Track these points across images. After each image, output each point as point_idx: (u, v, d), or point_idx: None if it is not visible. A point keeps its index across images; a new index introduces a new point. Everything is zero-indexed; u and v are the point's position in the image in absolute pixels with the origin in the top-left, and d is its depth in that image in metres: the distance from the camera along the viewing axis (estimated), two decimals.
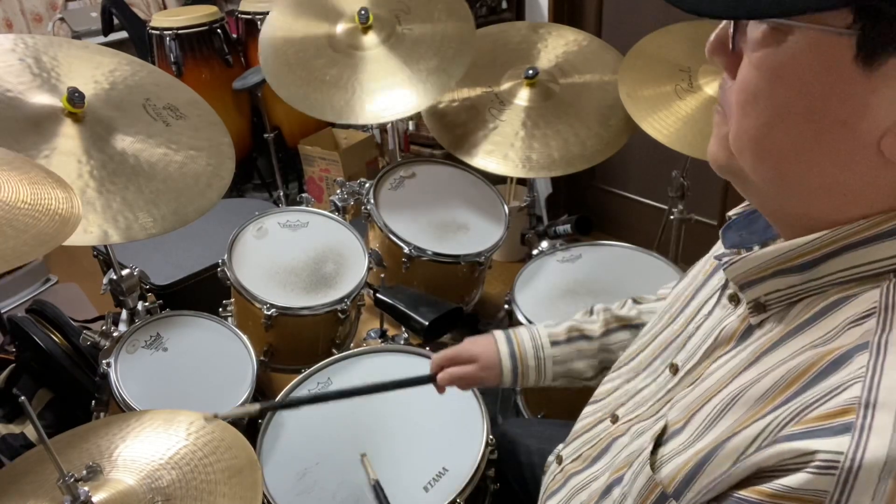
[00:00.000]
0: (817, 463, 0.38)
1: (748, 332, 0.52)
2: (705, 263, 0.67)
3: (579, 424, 0.76)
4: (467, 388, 0.92)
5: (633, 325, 0.88)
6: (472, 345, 0.90)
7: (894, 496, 0.36)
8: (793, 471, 0.39)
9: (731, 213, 0.61)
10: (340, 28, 1.63)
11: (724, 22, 0.48)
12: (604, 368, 0.87)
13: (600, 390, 0.77)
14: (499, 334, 0.90)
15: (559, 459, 0.76)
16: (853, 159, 0.43)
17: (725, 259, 0.52)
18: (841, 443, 0.37)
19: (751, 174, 0.48)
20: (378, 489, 0.98)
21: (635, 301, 0.91)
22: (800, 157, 0.45)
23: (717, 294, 0.60)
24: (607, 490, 0.61)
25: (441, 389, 0.91)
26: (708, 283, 0.64)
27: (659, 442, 0.54)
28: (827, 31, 0.40)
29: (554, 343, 0.88)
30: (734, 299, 0.56)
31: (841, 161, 0.43)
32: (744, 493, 0.42)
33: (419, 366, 1.21)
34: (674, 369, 0.61)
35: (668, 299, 0.72)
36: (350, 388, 0.92)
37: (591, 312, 0.92)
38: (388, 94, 1.53)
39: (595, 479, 0.66)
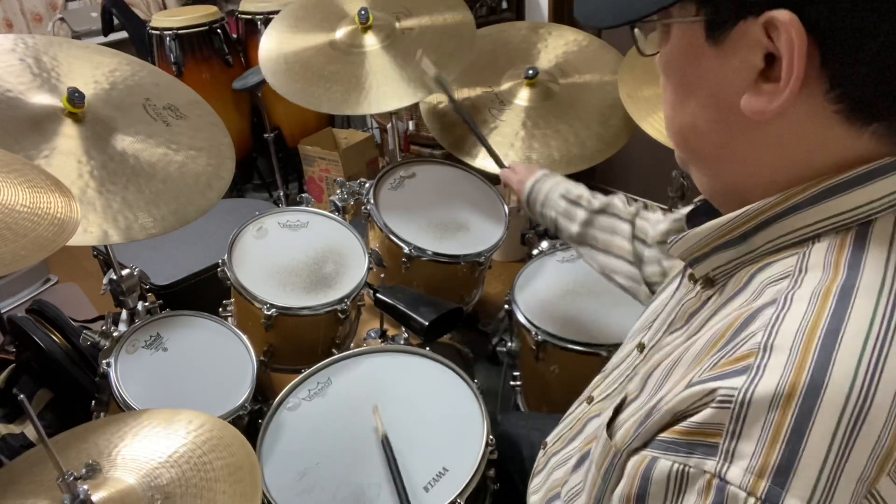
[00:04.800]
0: (718, 399, 0.41)
1: (702, 306, 0.56)
2: None
3: (566, 413, 0.81)
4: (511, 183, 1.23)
5: (619, 218, 1.01)
6: (528, 169, 1.19)
7: (780, 425, 0.39)
8: (700, 409, 0.42)
9: (698, 199, 0.66)
10: (341, 32, 1.63)
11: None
12: (585, 243, 1.06)
13: (590, 384, 0.81)
14: (539, 171, 1.16)
15: (544, 445, 0.80)
16: (731, 124, 0.49)
17: (671, 239, 0.57)
18: (738, 381, 0.41)
19: (685, 158, 0.56)
20: (386, 444, 1.02)
21: (647, 207, 1.02)
22: (697, 132, 0.52)
23: (680, 276, 0.65)
24: (578, 463, 0.66)
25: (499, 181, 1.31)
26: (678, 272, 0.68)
27: (619, 411, 0.57)
28: (684, 22, 0.48)
29: (562, 196, 1.09)
30: (692, 278, 0.59)
31: (724, 128, 0.50)
32: (663, 435, 0.45)
33: (419, 366, 1.21)
34: (640, 348, 0.65)
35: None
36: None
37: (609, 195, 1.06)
38: (386, 88, 1.53)
39: (571, 456, 0.70)
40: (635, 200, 1.04)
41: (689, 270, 0.60)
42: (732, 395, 0.40)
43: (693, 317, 0.56)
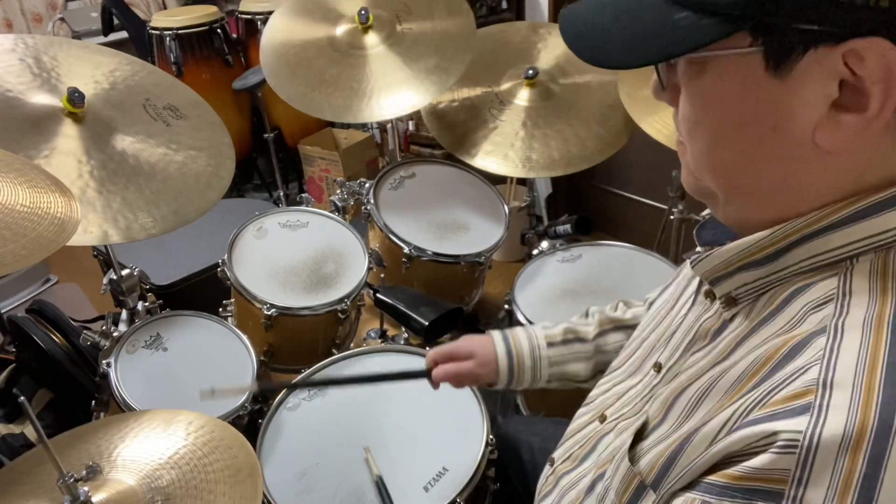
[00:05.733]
0: (780, 443, 0.39)
1: (723, 326, 0.54)
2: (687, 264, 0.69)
3: (571, 426, 0.78)
4: (462, 385, 0.91)
5: (626, 326, 0.89)
6: (470, 342, 0.90)
7: (852, 471, 0.37)
8: (757, 453, 0.40)
9: (704, 213, 0.64)
10: (341, 30, 1.63)
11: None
12: (599, 371, 0.87)
13: (593, 392, 0.78)
14: (496, 334, 0.91)
15: (551, 461, 0.77)
16: (795, 158, 0.45)
17: (693, 258, 0.54)
18: (801, 422, 0.38)
19: (715, 190, 0.52)
20: (381, 485, 0.98)
21: (626, 304, 0.92)
22: (748, 168, 0.48)
23: (695, 291, 0.62)
24: (592, 486, 0.63)
25: (436, 385, 0.90)
26: (691, 284, 0.65)
27: (640, 437, 0.55)
28: (735, 54, 0.43)
29: (550, 344, 0.89)
30: (710, 295, 0.57)
31: (784, 163, 0.46)
32: (713, 478, 0.43)
33: (419, 366, 1.20)
34: (658, 367, 0.63)
35: (657, 301, 0.73)
36: (346, 377, 0.91)
37: (587, 315, 0.93)
38: (388, 93, 1.53)
39: (583, 476, 0.67)
40: (585, 314, 0.93)
41: (706, 287, 0.58)
42: (797, 440, 0.38)
43: (716, 337, 0.54)
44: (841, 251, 0.45)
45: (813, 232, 0.46)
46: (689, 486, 0.45)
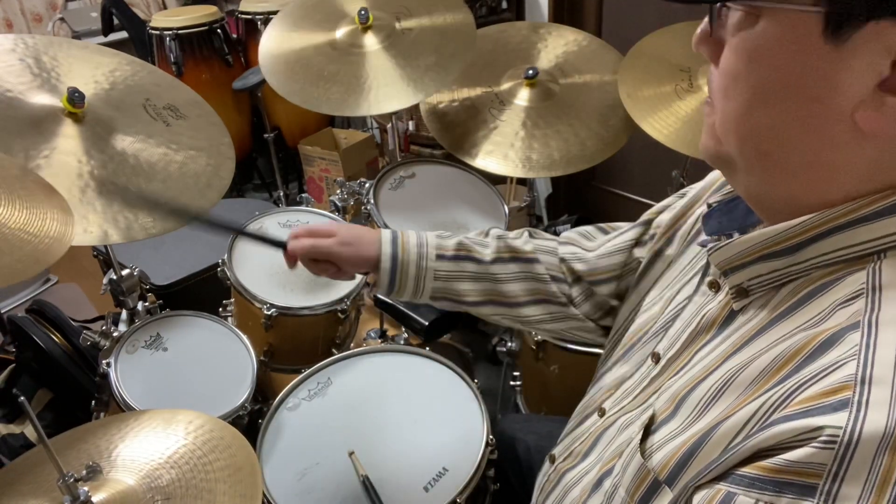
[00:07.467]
0: (823, 437, 0.38)
1: (730, 317, 0.53)
2: (683, 249, 0.68)
3: (570, 422, 0.77)
4: (320, 269, 0.82)
5: (525, 259, 0.84)
6: (344, 226, 0.83)
7: (890, 469, 0.36)
8: (796, 447, 0.39)
9: (711, 200, 0.62)
10: (341, 32, 1.63)
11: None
12: (488, 301, 0.83)
13: (590, 388, 0.77)
14: (385, 232, 0.83)
15: (551, 459, 0.76)
16: (831, 135, 0.44)
17: (710, 245, 0.53)
18: (840, 418, 0.38)
19: (736, 158, 0.50)
20: (368, 484, 0.98)
21: (532, 234, 0.87)
22: (780, 136, 0.46)
23: (697, 281, 0.61)
24: (598, 483, 0.62)
25: (290, 260, 0.82)
26: (685, 272, 0.64)
27: (648, 431, 0.54)
28: (795, 10, 0.41)
29: (440, 257, 0.82)
30: (714, 286, 0.56)
31: (819, 137, 0.44)
32: (743, 470, 0.42)
33: (419, 366, 1.21)
34: (655, 358, 0.61)
35: (651, 293, 0.71)
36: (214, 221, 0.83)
37: (486, 234, 0.87)
38: (386, 89, 1.53)
39: (586, 473, 0.66)
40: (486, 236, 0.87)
41: (710, 278, 0.57)
42: (837, 435, 0.37)
43: (724, 329, 0.52)
44: (866, 246, 0.44)
45: (841, 224, 0.45)
46: (717, 479, 0.44)
